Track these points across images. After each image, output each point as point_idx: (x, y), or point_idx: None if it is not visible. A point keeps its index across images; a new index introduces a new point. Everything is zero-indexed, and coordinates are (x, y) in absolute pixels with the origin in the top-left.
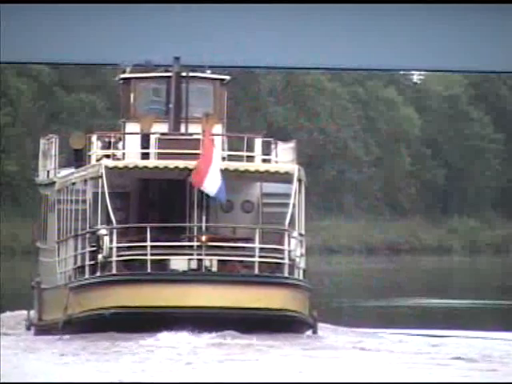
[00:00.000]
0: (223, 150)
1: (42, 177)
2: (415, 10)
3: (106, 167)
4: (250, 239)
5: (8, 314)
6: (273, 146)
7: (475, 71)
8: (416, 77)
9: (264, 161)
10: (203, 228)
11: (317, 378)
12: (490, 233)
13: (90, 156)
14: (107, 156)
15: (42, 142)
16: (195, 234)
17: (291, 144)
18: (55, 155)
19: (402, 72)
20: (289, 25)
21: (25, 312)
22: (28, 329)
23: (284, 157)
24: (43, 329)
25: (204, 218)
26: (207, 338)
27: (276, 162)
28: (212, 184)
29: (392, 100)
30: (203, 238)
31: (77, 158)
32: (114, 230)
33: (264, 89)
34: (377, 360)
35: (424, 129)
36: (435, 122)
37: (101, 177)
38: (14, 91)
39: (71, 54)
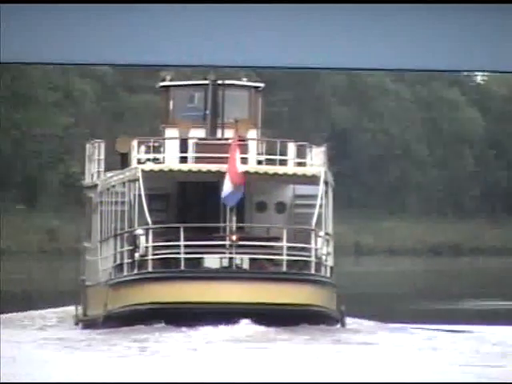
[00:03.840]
0: (259, 153)
1: (87, 180)
2: (431, 9)
3: (143, 170)
4: (281, 238)
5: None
6: (307, 150)
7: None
8: (480, 77)
9: (299, 164)
10: (234, 228)
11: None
12: None
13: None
14: (149, 160)
15: (88, 146)
16: (227, 233)
17: (323, 148)
18: (99, 159)
19: (465, 73)
20: (290, 24)
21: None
22: (76, 324)
23: (317, 160)
24: (88, 324)
25: (235, 219)
26: (236, 331)
27: (311, 165)
28: (225, 187)
29: (455, 101)
30: (234, 238)
31: (122, 161)
32: (150, 230)
33: (327, 89)
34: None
35: (487, 130)
36: (498, 123)
37: (138, 180)
38: (77, 92)
39: (71, 54)
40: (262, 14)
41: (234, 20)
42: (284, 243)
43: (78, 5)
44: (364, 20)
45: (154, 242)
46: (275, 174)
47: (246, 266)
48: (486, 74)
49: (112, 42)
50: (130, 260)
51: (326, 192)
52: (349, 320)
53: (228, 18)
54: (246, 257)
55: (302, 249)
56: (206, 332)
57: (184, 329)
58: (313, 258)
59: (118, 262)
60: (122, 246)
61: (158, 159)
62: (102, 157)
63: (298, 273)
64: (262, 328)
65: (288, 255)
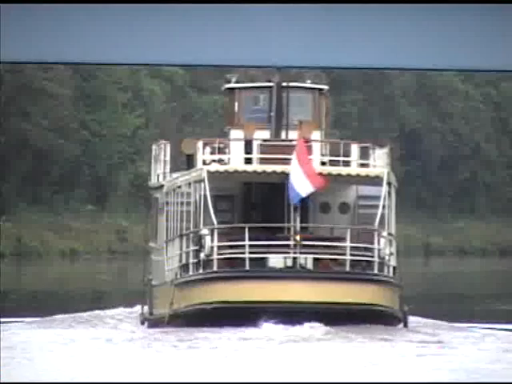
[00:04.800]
0: (323, 155)
1: (153, 180)
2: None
3: (208, 171)
4: (344, 239)
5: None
6: (371, 151)
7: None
8: None
9: (362, 165)
10: (297, 228)
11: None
12: None
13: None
14: (214, 161)
15: (154, 147)
16: (291, 233)
17: (386, 149)
18: (165, 160)
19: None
20: (289, 24)
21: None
22: (142, 323)
23: (380, 161)
24: (154, 323)
25: (298, 219)
26: (300, 331)
27: (374, 166)
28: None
29: None
30: (297, 238)
31: (188, 162)
32: (215, 230)
33: (396, 90)
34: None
35: None
36: None
37: (203, 180)
38: (146, 93)
39: (71, 54)
40: (262, 13)
41: (233, 20)
42: (347, 243)
43: (78, 5)
44: (365, 19)
45: (219, 242)
46: (339, 175)
47: (309, 265)
48: None
49: (112, 41)
50: (195, 260)
51: (389, 193)
52: (416, 320)
53: (227, 17)
54: (310, 256)
55: (365, 249)
56: (269, 331)
57: (248, 328)
58: (376, 258)
59: (184, 261)
60: (187, 246)
61: (223, 160)
62: (168, 158)
63: (361, 272)
64: (325, 327)
65: (351, 255)
